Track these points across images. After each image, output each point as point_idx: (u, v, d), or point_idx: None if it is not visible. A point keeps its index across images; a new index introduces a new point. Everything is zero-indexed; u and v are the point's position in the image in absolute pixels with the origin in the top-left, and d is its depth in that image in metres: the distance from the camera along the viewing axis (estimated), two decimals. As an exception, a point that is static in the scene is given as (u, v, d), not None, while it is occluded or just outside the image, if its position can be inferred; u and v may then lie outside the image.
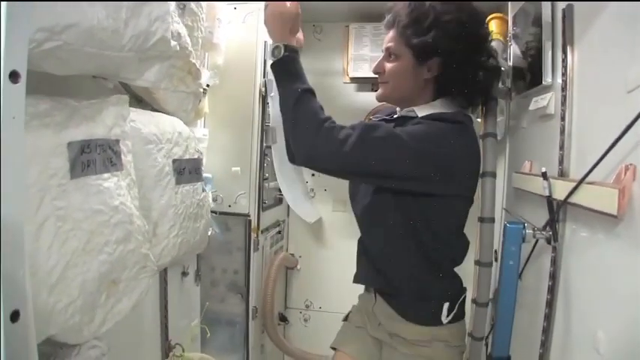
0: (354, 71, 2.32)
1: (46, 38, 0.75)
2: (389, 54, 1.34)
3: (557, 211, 1.12)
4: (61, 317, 0.85)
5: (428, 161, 1.20)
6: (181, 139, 1.27)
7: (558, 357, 1.14)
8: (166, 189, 1.17)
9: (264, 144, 1.95)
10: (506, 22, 1.63)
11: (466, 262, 1.39)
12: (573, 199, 1.03)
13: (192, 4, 1.33)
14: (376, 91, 1.43)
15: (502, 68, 1.45)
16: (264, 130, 1.93)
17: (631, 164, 0.83)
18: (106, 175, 0.92)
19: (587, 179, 0.98)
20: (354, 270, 1.47)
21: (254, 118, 1.88)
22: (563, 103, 1.18)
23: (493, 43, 1.48)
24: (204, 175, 1.69)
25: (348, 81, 2.38)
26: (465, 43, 1.26)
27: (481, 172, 1.38)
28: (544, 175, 1.14)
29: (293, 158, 1.37)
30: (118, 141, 0.98)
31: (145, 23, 0.94)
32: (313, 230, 2.52)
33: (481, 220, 1.40)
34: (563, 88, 1.18)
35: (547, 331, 1.18)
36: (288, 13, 1.35)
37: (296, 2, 1.36)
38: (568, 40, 1.18)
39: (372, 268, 1.40)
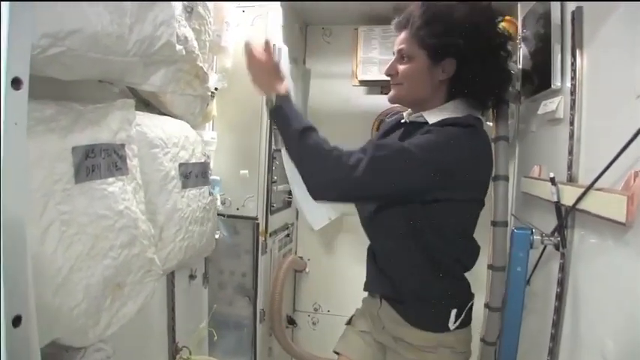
0: (363, 74, 2.31)
1: (50, 44, 0.75)
2: (401, 56, 1.32)
3: (565, 217, 1.11)
4: (65, 321, 0.86)
5: (443, 171, 1.18)
6: (188, 143, 1.27)
7: (566, 364, 1.13)
8: (172, 193, 1.17)
9: (273, 147, 1.94)
10: (516, 25, 1.61)
11: (478, 266, 1.37)
12: (582, 206, 1.01)
13: (200, 8, 1.34)
14: (386, 94, 1.41)
15: (512, 72, 1.44)
16: (273, 133, 1.92)
17: (640, 170, 0.82)
18: (110, 180, 0.92)
19: (596, 185, 0.97)
20: (364, 273, 1.46)
21: (262, 121, 1.88)
22: (572, 107, 1.17)
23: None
24: (213, 177, 1.70)
25: (357, 84, 2.37)
26: (480, 43, 1.25)
27: (493, 175, 1.37)
28: (552, 181, 1.13)
29: (313, 195, 1.38)
30: (123, 145, 0.98)
31: (150, 28, 0.94)
32: (322, 233, 2.50)
33: (494, 223, 1.39)
34: (572, 92, 1.17)
35: (555, 338, 1.17)
36: (267, 68, 1.39)
37: (270, 54, 1.41)
38: (577, 44, 1.16)
39: (380, 275, 1.38)
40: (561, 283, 1.15)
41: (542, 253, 1.28)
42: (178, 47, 1.06)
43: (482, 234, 1.37)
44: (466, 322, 1.32)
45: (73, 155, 0.85)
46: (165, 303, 1.52)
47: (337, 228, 2.51)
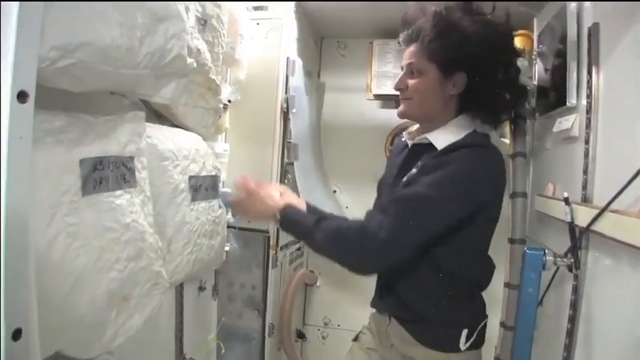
0: (377, 88, 2.30)
1: (60, 56, 0.76)
2: (411, 70, 1.31)
3: (579, 238, 1.08)
4: (69, 333, 0.86)
5: (466, 202, 1.18)
6: (198, 156, 1.27)
7: (578, 390, 1.10)
8: (181, 206, 1.17)
9: (285, 160, 1.94)
10: (532, 38, 1.59)
11: (494, 284, 1.35)
12: (596, 227, 0.99)
13: (214, 21, 1.34)
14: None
15: (528, 87, 1.42)
16: (286, 146, 1.92)
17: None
18: (118, 192, 0.92)
19: (612, 207, 0.94)
20: (374, 288, 1.45)
21: (275, 134, 1.87)
22: (588, 125, 1.14)
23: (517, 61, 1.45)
24: (224, 190, 1.69)
25: (372, 98, 2.36)
26: (492, 57, 1.24)
27: (511, 192, 1.35)
28: (566, 201, 1.10)
29: (360, 274, 1.37)
30: (132, 158, 0.98)
31: (161, 41, 0.94)
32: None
33: (511, 241, 1.37)
34: (588, 110, 1.15)
35: (567, 361, 1.14)
36: (259, 201, 1.42)
37: (252, 187, 1.43)
38: (593, 60, 1.14)
39: (389, 294, 1.35)
40: (574, 305, 1.12)
41: (554, 274, 1.25)
42: (189, 60, 1.06)
43: (498, 251, 1.35)
44: (477, 344, 1.29)
45: (81, 167, 0.85)
46: (173, 314, 1.51)
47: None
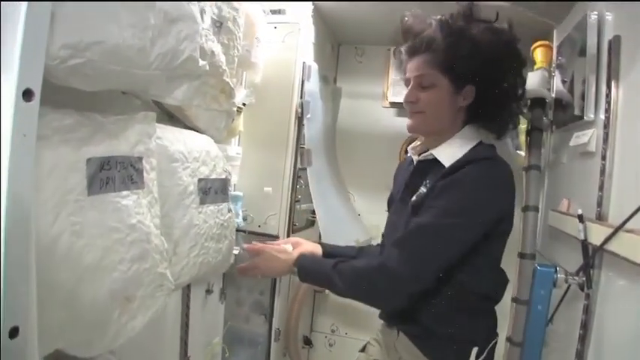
0: (393, 96, 2.29)
1: (70, 55, 0.76)
2: (420, 83, 1.28)
3: (592, 256, 1.05)
4: (70, 331, 0.85)
5: (481, 223, 1.18)
6: (209, 158, 1.26)
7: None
8: (189, 208, 1.17)
9: (298, 166, 1.93)
10: (552, 49, 1.57)
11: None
12: (610, 247, 0.96)
13: (229, 23, 1.34)
14: None
15: (546, 99, 1.40)
16: (299, 151, 1.91)
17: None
18: (124, 193, 0.92)
19: (627, 226, 0.92)
20: None
21: (289, 138, 1.87)
22: (605, 141, 1.11)
23: (537, 72, 1.42)
24: (236, 193, 1.69)
25: (388, 105, 2.35)
26: (502, 66, 1.23)
27: (523, 205, 1.32)
28: (580, 218, 1.08)
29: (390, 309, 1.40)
30: (140, 158, 0.98)
31: (173, 42, 0.94)
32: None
33: (521, 255, 1.34)
34: (606, 125, 1.12)
35: (576, 382, 1.11)
36: (271, 258, 1.46)
37: (259, 246, 1.51)
38: (613, 74, 1.12)
39: (400, 311, 1.34)
40: (585, 325, 1.09)
41: (566, 292, 1.22)
42: (202, 62, 1.06)
43: (507, 265, 1.32)
44: None
45: (88, 167, 0.84)
46: (179, 316, 1.51)
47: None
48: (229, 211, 1.34)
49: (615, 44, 1.12)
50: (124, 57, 0.85)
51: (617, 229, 0.93)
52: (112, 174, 0.89)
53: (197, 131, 1.34)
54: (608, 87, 1.13)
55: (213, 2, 1.24)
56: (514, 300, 1.30)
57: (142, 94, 1.03)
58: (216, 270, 1.32)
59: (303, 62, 1.86)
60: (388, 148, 2.39)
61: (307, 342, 2.46)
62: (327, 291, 2.49)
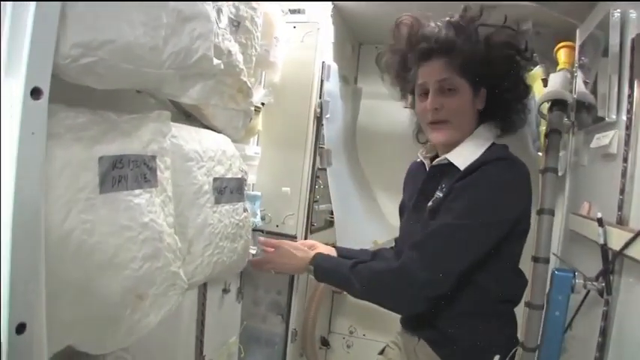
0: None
1: (82, 54, 0.76)
2: (442, 87, 1.25)
3: (611, 262, 1.02)
4: (81, 328, 0.85)
5: (500, 222, 1.16)
6: (225, 158, 1.26)
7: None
8: (204, 207, 1.16)
9: (317, 166, 1.92)
10: (574, 50, 1.52)
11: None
12: (630, 252, 0.93)
13: (247, 22, 1.34)
14: None
15: (567, 101, 1.36)
16: (318, 151, 1.90)
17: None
18: (137, 192, 0.92)
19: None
20: None
21: (307, 138, 1.86)
22: (627, 142, 1.07)
23: (559, 73, 1.39)
24: (254, 193, 1.69)
25: (409, 106, 2.32)
26: (513, 66, 1.22)
27: (538, 208, 1.29)
28: (600, 222, 1.04)
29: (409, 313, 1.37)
30: (154, 157, 0.98)
31: (187, 41, 0.94)
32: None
33: (535, 259, 1.30)
34: (628, 127, 1.08)
35: (595, 391, 1.07)
36: (286, 254, 1.46)
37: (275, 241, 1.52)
38: (636, 74, 1.07)
39: (420, 316, 1.31)
40: (604, 332, 1.05)
41: (584, 298, 1.18)
42: (216, 61, 1.06)
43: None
44: None
45: (100, 165, 0.84)
46: (195, 315, 1.51)
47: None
48: (245, 210, 1.34)
49: (638, 43, 1.08)
50: (136, 55, 0.85)
51: (637, 234, 0.90)
52: (125, 172, 0.90)
53: (214, 130, 1.35)
54: (631, 87, 1.09)
55: (231, 2, 1.24)
56: (527, 305, 1.26)
57: (157, 93, 1.03)
58: (231, 269, 1.32)
59: (323, 62, 1.85)
60: (407, 147, 2.35)
61: (325, 343, 2.44)
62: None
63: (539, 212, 1.28)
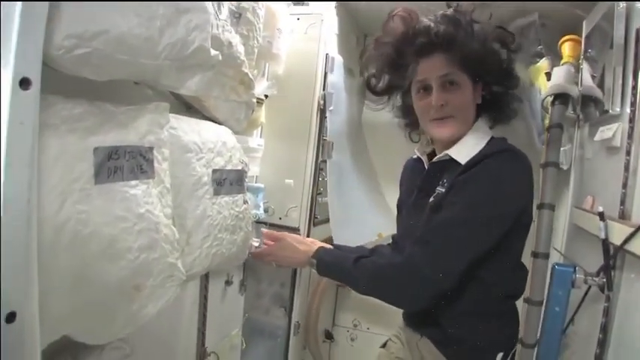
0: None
1: (76, 45, 0.76)
2: (445, 83, 1.23)
3: (612, 256, 1.00)
4: (77, 318, 0.86)
5: (504, 215, 1.15)
6: (225, 149, 1.26)
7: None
8: (203, 199, 1.16)
9: (320, 158, 1.91)
10: (580, 44, 1.50)
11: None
12: (631, 247, 0.91)
13: (249, 14, 1.33)
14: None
15: (572, 95, 1.35)
16: (321, 143, 1.89)
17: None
18: (133, 183, 0.92)
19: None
20: None
21: (311, 130, 1.85)
22: (630, 135, 1.06)
23: (563, 67, 1.37)
24: (257, 185, 1.69)
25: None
26: (506, 60, 1.21)
27: (539, 202, 1.28)
28: (601, 216, 1.03)
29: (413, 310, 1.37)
30: (151, 148, 0.98)
31: (183, 32, 0.93)
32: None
33: (535, 255, 1.29)
34: (631, 119, 1.06)
35: (595, 388, 1.06)
36: (287, 246, 1.46)
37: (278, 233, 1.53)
38: (640, 65, 1.06)
39: (423, 313, 1.31)
40: (604, 329, 1.04)
41: (586, 293, 1.17)
42: (214, 52, 1.05)
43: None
44: None
45: (95, 156, 0.84)
46: (196, 306, 1.52)
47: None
48: (245, 202, 1.33)
49: (643, 34, 1.06)
50: (131, 46, 0.84)
51: (638, 229, 0.88)
52: (121, 163, 0.90)
53: (216, 122, 1.34)
54: (635, 79, 1.07)
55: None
56: (526, 300, 1.26)
57: (155, 85, 1.03)
58: (230, 261, 1.32)
59: (327, 54, 1.84)
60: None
61: (329, 336, 2.45)
62: (348, 285, 2.49)
63: (540, 207, 1.27)
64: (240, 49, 1.29)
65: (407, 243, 1.27)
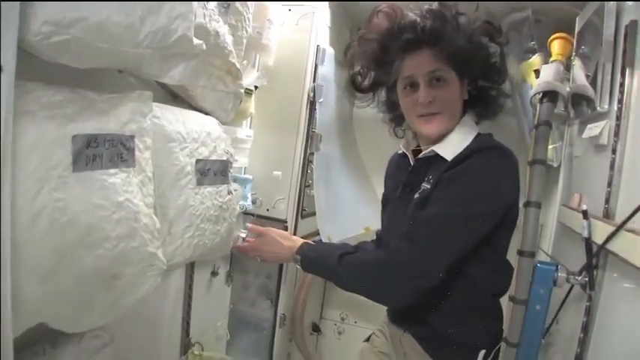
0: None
1: (53, 32, 0.75)
2: (432, 79, 1.22)
3: (594, 255, 1.00)
4: (51, 306, 0.85)
5: (491, 212, 1.15)
6: (209, 139, 1.25)
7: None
8: (185, 189, 1.16)
9: (309, 150, 1.91)
10: (571, 42, 1.49)
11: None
12: (611, 246, 0.91)
13: (238, 4, 1.32)
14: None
15: (559, 92, 1.34)
16: (310, 135, 1.89)
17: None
18: (112, 171, 0.91)
19: (632, 226, 0.87)
20: None
21: (300, 122, 1.84)
22: (617, 133, 1.05)
23: (552, 65, 1.37)
24: (245, 176, 1.68)
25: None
26: (492, 55, 1.21)
27: (525, 200, 1.28)
28: (584, 214, 1.03)
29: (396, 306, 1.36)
30: (132, 137, 0.97)
31: (165, 20, 0.92)
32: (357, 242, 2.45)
33: (520, 253, 1.28)
34: (618, 117, 1.06)
35: (575, 388, 1.06)
36: (271, 241, 1.46)
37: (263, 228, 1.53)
38: (628, 62, 1.05)
39: (407, 310, 1.31)
40: (585, 328, 1.04)
41: (568, 293, 1.17)
42: (197, 42, 1.04)
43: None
44: None
45: (73, 143, 0.84)
46: (181, 296, 1.51)
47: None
48: (229, 193, 1.33)
49: (631, 29, 1.05)
50: (111, 34, 0.84)
51: (618, 228, 0.88)
52: (100, 151, 0.89)
53: (203, 112, 1.34)
54: (622, 75, 1.06)
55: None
56: (511, 299, 1.26)
57: (137, 73, 1.02)
58: (213, 252, 1.32)
59: (317, 46, 1.83)
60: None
61: (316, 329, 2.45)
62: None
63: (526, 205, 1.27)
64: (227, 39, 1.28)
65: (391, 239, 1.27)
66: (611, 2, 1.15)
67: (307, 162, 1.91)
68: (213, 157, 1.26)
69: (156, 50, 0.95)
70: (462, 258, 1.15)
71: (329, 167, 2.01)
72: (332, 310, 2.55)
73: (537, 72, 1.50)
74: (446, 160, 1.20)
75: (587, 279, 1.04)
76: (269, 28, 1.66)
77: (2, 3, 0.61)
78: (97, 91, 0.92)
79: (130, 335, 1.21)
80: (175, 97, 1.31)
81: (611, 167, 1.06)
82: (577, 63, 1.44)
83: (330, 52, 1.91)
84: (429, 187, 1.22)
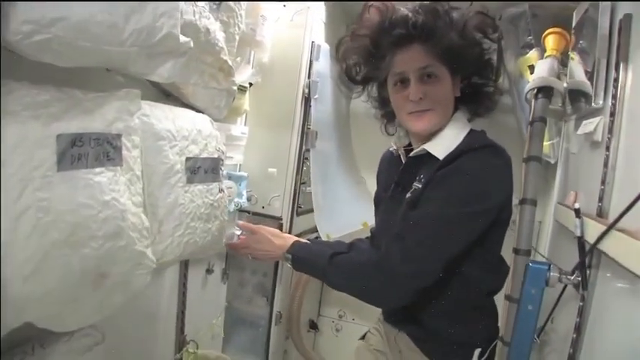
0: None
1: (33, 31, 0.74)
2: (423, 76, 1.20)
3: (586, 254, 0.99)
4: (37, 306, 0.85)
5: (484, 212, 1.13)
6: (200, 137, 1.24)
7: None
8: (175, 187, 1.15)
9: (304, 147, 1.90)
10: (566, 37, 1.48)
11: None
12: (603, 246, 0.90)
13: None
14: None
15: (553, 88, 1.33)
16: (305, 132, 1.88)
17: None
18: (98, 170, 0.91)
19: (624, 226, 0.85)
20: None
21: (295, 119, 1.84)
22: (611, 130, 1.04)
23: (546, 60, 1.35)
24: (240, 173, 1.68)
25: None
26: (485, 51, 1.19)
27: (520, 198, 1.27)
28: (577, 212, 1.01)
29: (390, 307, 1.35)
30: (119, 135, 0.97)
31: (149, 18, 0.91)
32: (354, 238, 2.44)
33: (516, 251, 1.27)
34: (612, 113, 1.04)
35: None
36: (263, 239, 1.44)
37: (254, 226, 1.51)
38: (622, 57, 1.03)
39: (402, 310, 1.30)
40: (578, 329, 1.03)
41: (562, 293, 1.16)
42: (183, 39, 1.03)
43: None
44: None
45: (58, 143, 0.83)
46: (175, 294, 1.51)
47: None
48: (221, 191, 1.32)
49: (626, 24, 1.03)
50: (94, 33, 0.83)
51: (610, 227, 0.87)
52: (85, 150, 0.88)
53: (196, 110, 1.33)
54: (617, 71, 1.05)
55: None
56: (507, 298, 1.25)
57: (123, 71, 1.01)
58: (205, 250, 1.31)
59: (312, 42, 1.82)
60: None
61: (313, 326, 2.45)
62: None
63: (521, 202, 1.26)
64: (219, 35, 1.27)
65: (384, 238, 1.26)
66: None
67: (302, 159, 1.90)
68: (204, 155, 1.25)
69: (141, 48, 0.94)
70: (454, 258, 1.14)
71: (326, 164, 2.01)
72: (329, 308, 2.55)
73: (532, 68, 1.49)
74: (437, 159, 1.19)
75: (579, 279, 1.03)
76: (263, 25, 1.65)
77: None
78: (84, 90, 0.92)
79: (123, 333, 1.21)
80: (168, 95, 1.31)
81: (605, 164, 1.04)
82: (575, 58, 1.43)
83: (325, 48, 1.90)
84: (420, 186, 1.20)
